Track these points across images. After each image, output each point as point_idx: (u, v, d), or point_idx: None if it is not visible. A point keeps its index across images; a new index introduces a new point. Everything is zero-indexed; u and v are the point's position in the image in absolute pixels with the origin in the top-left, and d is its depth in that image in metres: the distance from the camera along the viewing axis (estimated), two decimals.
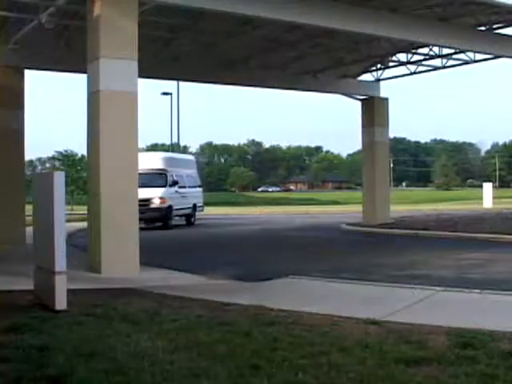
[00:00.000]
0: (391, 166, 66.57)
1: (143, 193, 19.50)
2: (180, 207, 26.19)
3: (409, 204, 48.25)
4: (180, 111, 39.03)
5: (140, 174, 19.27)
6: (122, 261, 11.12)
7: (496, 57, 19.34)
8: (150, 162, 24.93)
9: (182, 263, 12.88)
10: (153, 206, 23.80)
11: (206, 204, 32.02)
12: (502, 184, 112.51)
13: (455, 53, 20.13)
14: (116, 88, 11.39)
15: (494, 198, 38.79)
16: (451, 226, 20.81)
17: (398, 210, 30.04)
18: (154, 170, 25.13)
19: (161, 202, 24.33)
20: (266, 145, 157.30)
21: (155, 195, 24.01)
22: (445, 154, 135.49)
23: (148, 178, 23.50)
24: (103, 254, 11.06)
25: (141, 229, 18.13)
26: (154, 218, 24.15)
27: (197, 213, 28.83)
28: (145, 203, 21.77)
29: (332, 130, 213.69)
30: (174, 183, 25.92)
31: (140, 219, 19.07)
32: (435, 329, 6.31)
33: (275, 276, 10.51)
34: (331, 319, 6.91)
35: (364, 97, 23.71)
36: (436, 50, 20.35)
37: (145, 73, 13.10)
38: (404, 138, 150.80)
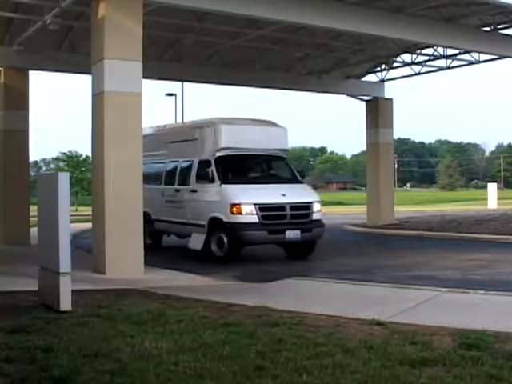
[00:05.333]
0: (395, 166, 66.36)
1: (272, 193, 13.70)
2: None
3: (413, 205, 48.11)
4: (184, 112, 39.02)
5: (233, 155, 14.30)
6: (126, 261, 11.13)
7: (501, 57, 19.29)
8: (253, 134, 14.63)
9: None
10: (315, 215, 13.97)
11: None
12: (506, 185, 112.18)
13: (460, 53, 20.07)
14: (120, 89, 11.41)
15: (498, 198, 38.59)
16: (455, 227, 20.77)
17: (402, 210, 29.97)
18: (271, 151, 15.06)
19: (320, 211, 14.34)
20: None
21: (312, 198, 14.28)
22: (449, 155, 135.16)
23: (259, 166, 15.44)
24: (107, 254, 11.08)
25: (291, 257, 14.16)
26: (310, 241, 14.10)
27: None
28: (299, 212, 13.73)
29: (336, 130, 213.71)
30: (303, 175, 15.92)
31: (278, 244, 14.01)
32: (440, 330, 6.30)
33: (279, 277, 10.51)
34: (335, 320, 6.91)
35: (368, 97, 23.67)
36: (440, 50, 20.30)
37: (149, 74, 13.11)
38: (408, 139, 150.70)
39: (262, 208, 13.15)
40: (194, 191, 14.52)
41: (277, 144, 15.01)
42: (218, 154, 14.11)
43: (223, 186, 13.54)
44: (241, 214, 13.01)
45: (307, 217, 13.77)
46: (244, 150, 14.45)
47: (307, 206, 13.82)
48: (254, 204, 13.08)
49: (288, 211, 13.43)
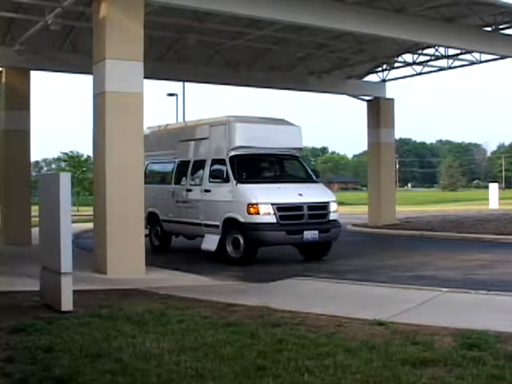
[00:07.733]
0: (397, 166, 66.35)
1: (289, 192, 13.51)
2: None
3: (414, 205, 48.08)
4: (186, 112, 38.89)
5: (248, 154, 14.01)
6: (127, 261, 11.13)
7: (502, 57, 19.27)
8: (268, 132, 14.48)
9: None
10: (332, 215, 13.78)
11: None
12: (508, 185, 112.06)
13: (461, 53, 20.07)
14: (121, 89, 11.41)
15: (500, 198, 38.57)
16: (457, 227, 20.76)
17: (403, 210, 29.97)
18: (286, 150, 14.85)
19: (337, 211, 14.16)
20: None
21: (328, 198, 14.09)
22: (451, 155, 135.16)
23: (274, 165, 15.19)
24: (109, 254, 11.08)
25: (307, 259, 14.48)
26: (327, 242, 13.84)
27: None
28: (316, 212, 13.53)
29: (338, 130, 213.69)
30: (317, 174, 15.73)
31: (294, 245, 13.77)
32: (441, 330, 6.30)
33: (280, 277, 10.51)
34: (337, 320, 6.90)
35: (369, 97, 23.66)
36: (442, 50, 20.29)
37: (150, 74, 13.12)
38: (410, 139, 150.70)
39: (280, 208, 12.95)
40: (207, 191, 14.17)
41: (291, 143, 14.79)
42: (233, 152, 13.77)
43: (239, 185, 13.24)
44: (258, 214, 12.79)
45: (324, 217, 13.58)
46: (259, 148, 14.20)
47: (324, 206, 13.62)
48: (272, 204, 12.86)
49: (306, 211, 13.23)
